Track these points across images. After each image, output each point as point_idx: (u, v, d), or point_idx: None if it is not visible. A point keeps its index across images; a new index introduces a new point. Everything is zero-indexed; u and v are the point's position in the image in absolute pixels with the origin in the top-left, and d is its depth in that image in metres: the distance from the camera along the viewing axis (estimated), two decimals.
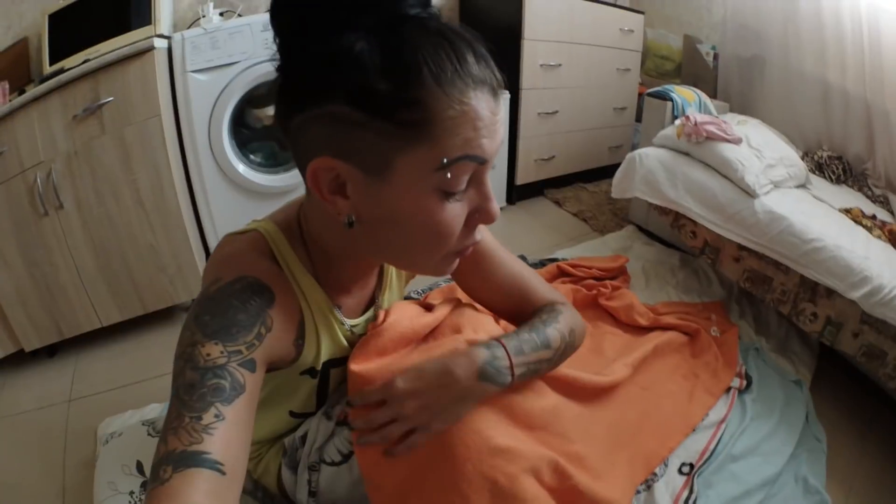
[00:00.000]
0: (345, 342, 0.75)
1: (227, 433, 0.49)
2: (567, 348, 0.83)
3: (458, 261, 0.64)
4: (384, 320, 0.76)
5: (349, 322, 0.75)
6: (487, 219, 0.60)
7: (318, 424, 0.77)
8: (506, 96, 0.53)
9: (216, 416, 0.49)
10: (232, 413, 0.50)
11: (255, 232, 0.68)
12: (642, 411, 1.11)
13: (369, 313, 0.80)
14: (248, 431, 0.53)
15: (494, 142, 0.55)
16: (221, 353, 0.53)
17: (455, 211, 0.56)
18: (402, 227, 0.57)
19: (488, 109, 0.53)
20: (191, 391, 0.50)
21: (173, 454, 0.46)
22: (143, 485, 0.99)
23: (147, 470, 1.01)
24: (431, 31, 0.51)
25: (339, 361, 0.76)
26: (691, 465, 1.13)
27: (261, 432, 0.84)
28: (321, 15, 0.50)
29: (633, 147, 3.05)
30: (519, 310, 0.87)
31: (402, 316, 0.77)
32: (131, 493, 0.98)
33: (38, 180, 1.40)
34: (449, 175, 0.53)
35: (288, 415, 0.80)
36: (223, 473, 0.47)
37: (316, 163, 0.54)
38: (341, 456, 0.74)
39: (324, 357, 0.73)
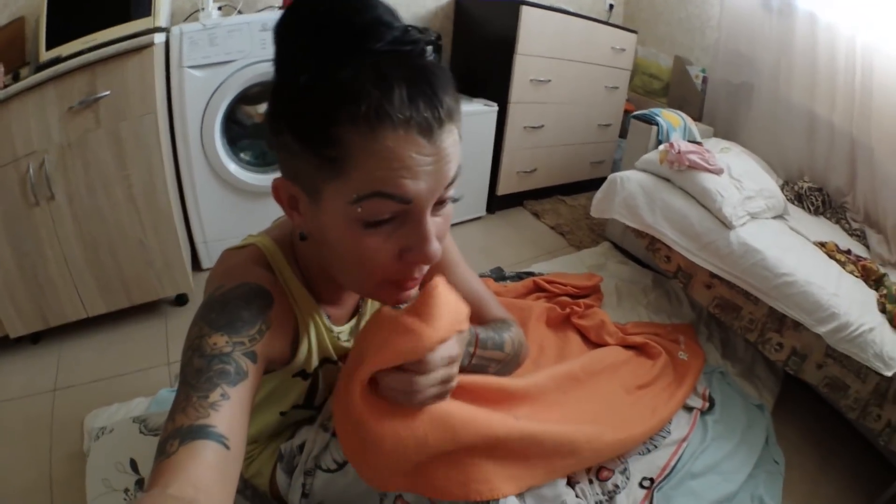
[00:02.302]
0: (330, 347, 0.80)
1: (232, 412, 0.52)
2: (514, 358, 0.90)
3: (405, 292, 0.65)
4: None
5: (336, 329, 0.80)
6: (422, 259, 0.60)
7: (315, 436, 0.82)
8: (451, 136, 0.57)
9: (222, 395, 0.52)
10: (236, 395, 0.54)
11: (253, 246, 0.74)
12: (594, 413, 1.16)
13: (353, 322, 0.85)
14: (248, 417, 0.56)
15: (420, 182, 0.54)
16: (227, 342, 0.57)
17: (375, 243, 0.58)
18: (334, 249, 0.61)
19: (412, 150, 0.53)
20: (198, 375, 0.53)
21: (181, 429, 0.48)
22: (138, 482, 1.02)
23: (141, 468, 1.05)
24: (369, 68, 0.51)
25: (323, 363, 0.81)
26: (652, 480, 1.20)
27: (251, 431, 0.87)
28: (296, 45, 0.54)
29: (615, 163, 3.11)
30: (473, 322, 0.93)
31: None
32: (126, 490, 1.00)
33: (31, 170, 1.40)
34: (360, 209, 0.55)
35: (278, 415, 0.85)
36: (228, 448, 0.49)
37: (277, 181, 0.61)
38: (336, 465, 0.79)
39: (315, 360, 0.78)
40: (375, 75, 0.51)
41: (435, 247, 0.59)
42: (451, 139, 0.56)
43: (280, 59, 0.56)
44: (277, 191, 0.61)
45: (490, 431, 0.79)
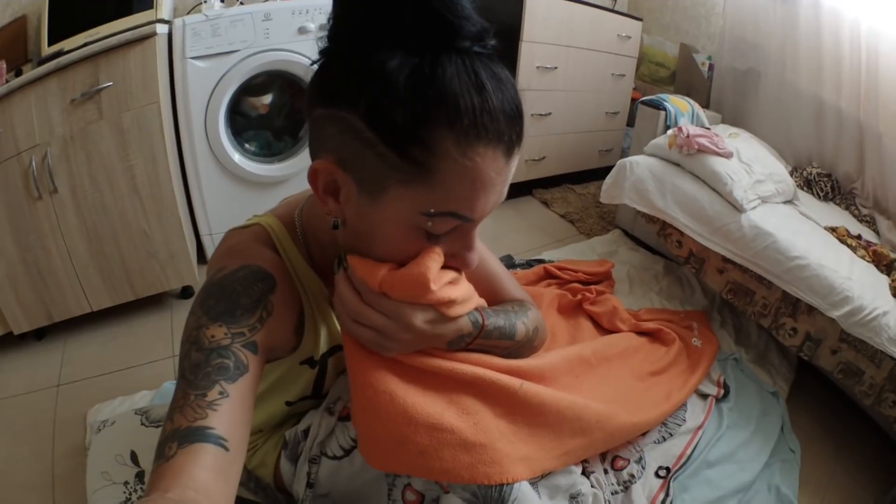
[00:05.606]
0: (340, 332, 0.76)
1: (232, 410, 0.50)
2: (527, 343, 0.85)
3: None
4: None
5: None
6: (463, 265, 0.63)
7: (320, 420, 0.79)
8: (518, 156, 0.59)
9: (220, 393, 0.51)
10: (236, 391, 0.52)
11: (258, 226, 0.71)
12: (608, 397, 1.11)
13: None
14: (250, 411, 0.54)
15: (489, 202, 0.55)
16: (225, 334, 0.55)
17: (425, 247, 0.59)
18: (377, 246, 0.59)
19: (494, 170, 0.53)
20: (196, 371, 0.52)
21: (178, 431, 0.47)
22: (138, 475, 1.00)
23: (142, 460, 1.03)
24: (469, 72, 0.49)
25: (335, 350, 0.78)
26: (668, 469, 1.17)
27: (255, 422, 0.85)
28: (379, 22, 0.48)
29: (623, 151, 3.08)
30: (488, 302, 0.89)
31: None
32: (126, 483, 0.99)
33: (34, 163, 1.38)
34: (431, 223, 0.54)
35: (284, 405, 0.82)
36: (227, 450, 0.48)
37: (318, 163, 0.55)
38: (343, 451, 0.76)
39: (323, 346, 0.75)
40: (476, 80, 0.49)
41: (476, 256, 0.62)
42: (517, 159, 0.56)
43: (347, 30, 0.50)
44: (316, 173, 0.56)
45: (494, 377, 0.75)
